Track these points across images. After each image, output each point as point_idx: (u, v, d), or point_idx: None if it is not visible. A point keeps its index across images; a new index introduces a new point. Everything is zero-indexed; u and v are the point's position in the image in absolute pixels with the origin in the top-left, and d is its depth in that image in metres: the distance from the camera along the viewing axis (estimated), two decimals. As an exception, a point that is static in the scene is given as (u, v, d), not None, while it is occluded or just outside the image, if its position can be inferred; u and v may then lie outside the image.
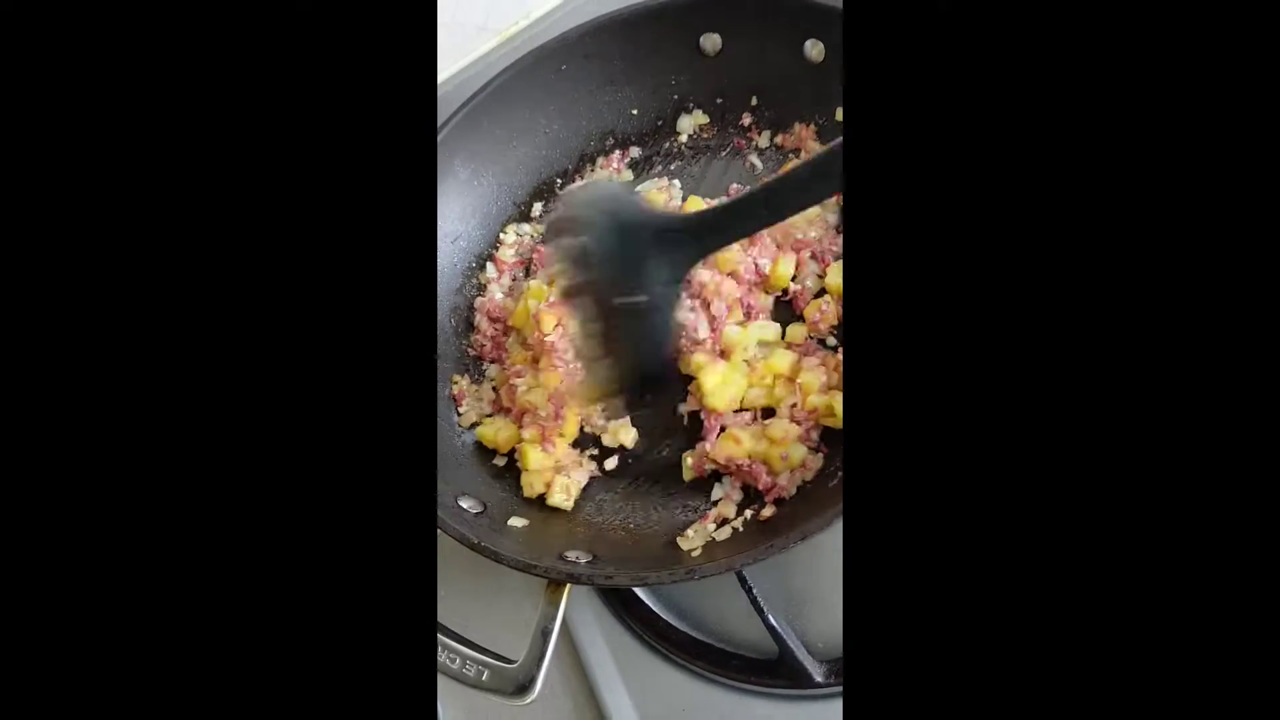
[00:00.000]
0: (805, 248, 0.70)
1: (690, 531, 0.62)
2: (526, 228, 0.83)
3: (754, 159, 0.80)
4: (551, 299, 0.70)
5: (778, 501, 0.62)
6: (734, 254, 0.70)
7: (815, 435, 0.64)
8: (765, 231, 0.68)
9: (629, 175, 0.83)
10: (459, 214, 0.80)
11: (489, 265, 0.81)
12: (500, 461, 0.71)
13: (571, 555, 0.59)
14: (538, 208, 0.83)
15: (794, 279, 0.70)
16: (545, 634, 0.54)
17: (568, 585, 0.56)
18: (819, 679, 0.60)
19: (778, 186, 0.55)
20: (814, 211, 0.69)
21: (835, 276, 0.68)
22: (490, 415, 0.73)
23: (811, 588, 0.64)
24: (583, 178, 0.83)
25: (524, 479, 0.68)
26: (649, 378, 0.61)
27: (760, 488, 0.62)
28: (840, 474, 0.61)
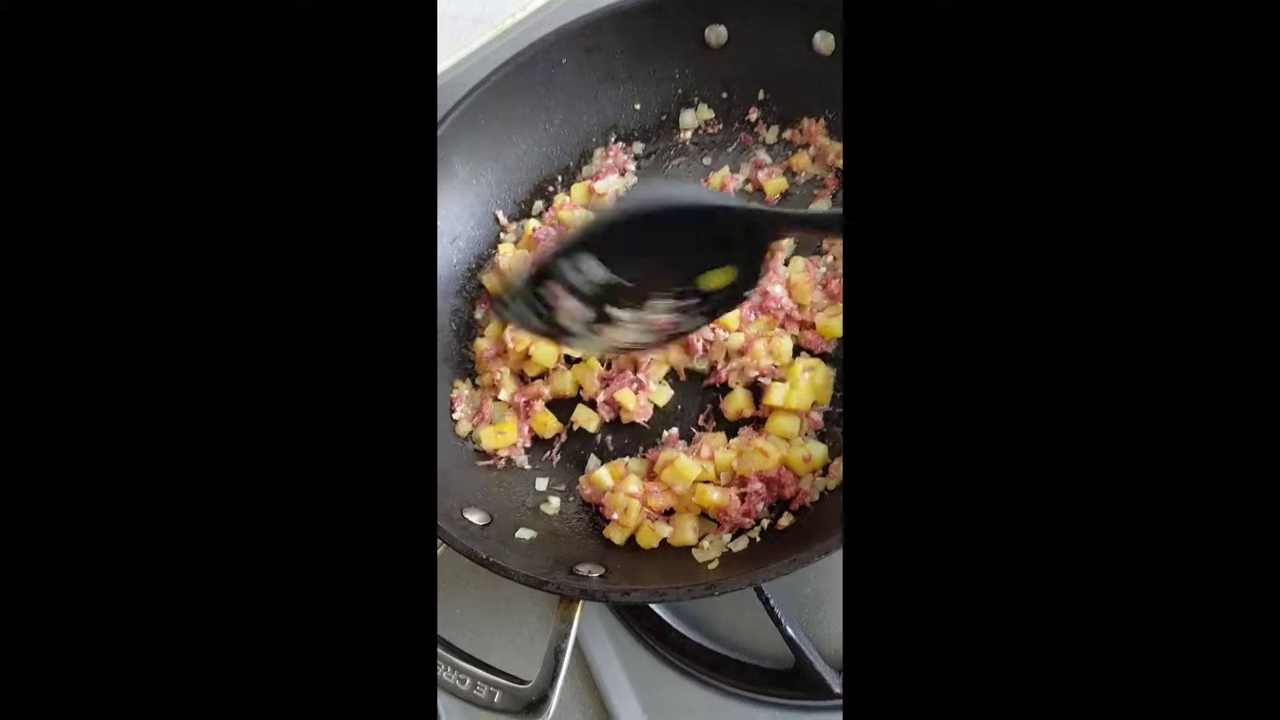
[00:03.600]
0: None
1: (705, 542, 0.60)
2: (533, 222, 0.80)
3: (761, 154, 0.78)
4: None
5: (796, 511, 0.60)
6: None
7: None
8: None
9: (632, 167, 0.81)
10: (458, 213, 0.78)
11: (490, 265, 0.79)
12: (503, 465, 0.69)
13: (583, 569, 0.57)
14: (539, 205, 0.81)
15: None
16: (559, 652, 0.53)
17: (581, 601, 0.54)
18: (837, 690, 0.59)
19: None
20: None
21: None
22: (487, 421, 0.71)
23: (826, 593, 0.63)
24: (584, 174, 0.81)
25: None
26: None
27: (787, 495, 0.61)
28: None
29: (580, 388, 0.69)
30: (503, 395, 0.70)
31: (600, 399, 0.68)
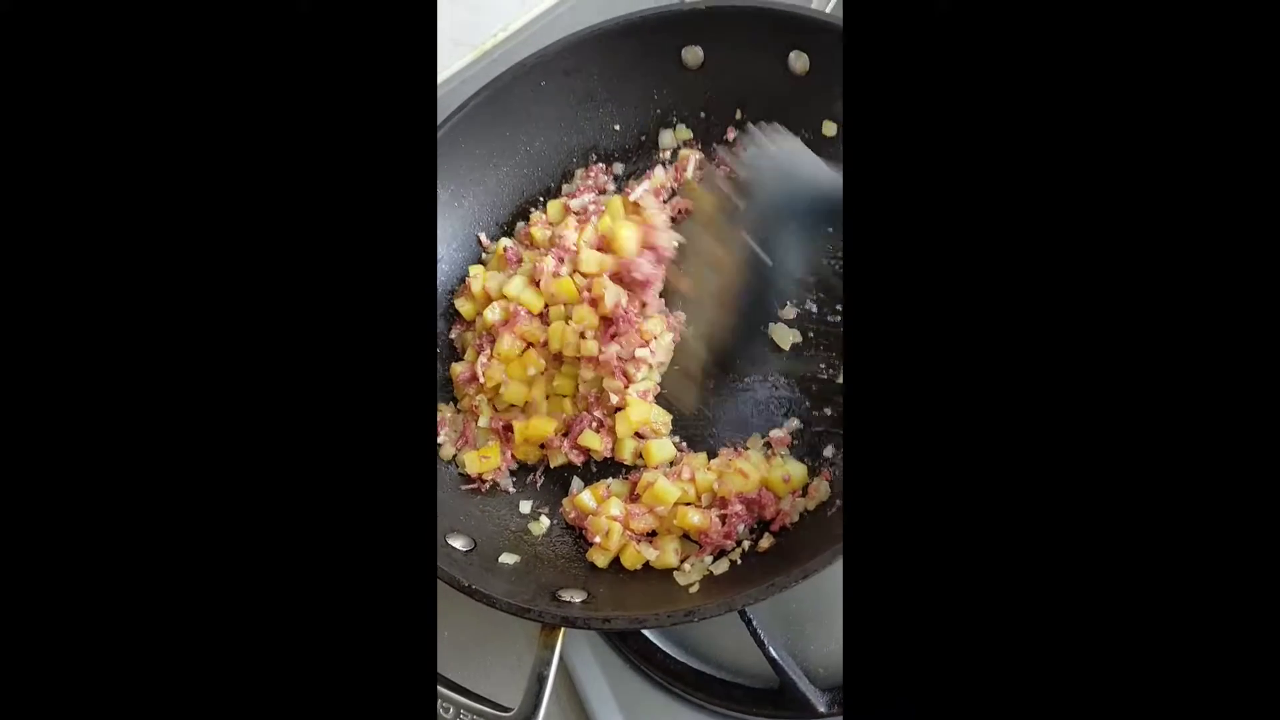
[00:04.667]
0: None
1: (686, 565, 0.60)
2: (505, 240, 0.80)
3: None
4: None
5: (777, 532, 0.61)
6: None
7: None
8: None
9: (612, 189, 0.81)
10: (441, 236, 0.78)
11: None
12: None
13: (565, 595, 0.58)
14: (520, 226, 0.81)
15: None
16: (541, 679, 0.53)
17: (563, 628, 0.55)
18: (822, 709, 0.59)
19: None
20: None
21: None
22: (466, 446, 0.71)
23: (810, 612, 0.63)
24: (564, 195, 0.81)
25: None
26: (729, 352, 0.61)
27: (768, 516, 0.61)
28: (839, 503, 0.60)
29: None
30: (481, 422, 0.71)
31: (565, 448, 0.68)
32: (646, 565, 0.62)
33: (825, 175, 0.56)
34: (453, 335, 0.77)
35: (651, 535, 0.63)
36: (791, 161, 0.57)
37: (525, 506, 0.69)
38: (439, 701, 0.53)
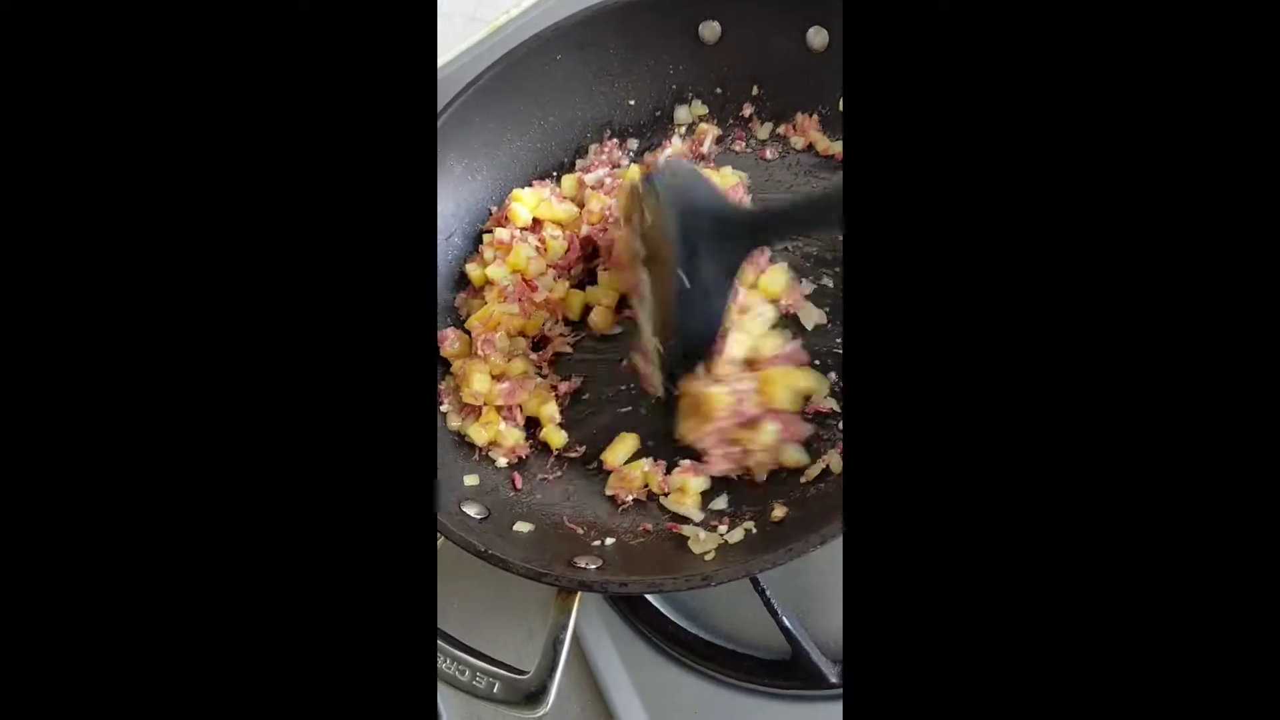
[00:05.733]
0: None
1: (701, 534, 0.60)
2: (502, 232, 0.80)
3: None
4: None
5: (789, 503, 0.61)
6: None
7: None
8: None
9: (627, 163, 0.81)
10: (453, 210, 0.78)
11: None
12: (501, 462, 0.69)
13: (581, 561, 0.58)
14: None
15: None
16: (557, 644, 0.53)
17: (579, 593, 0.55)
18: (833, 679, 0.60)
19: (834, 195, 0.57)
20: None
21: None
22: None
23: (821, 584, 0.64)
24: (578, 169, 0.81)
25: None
26: (689, 355, 0.62)
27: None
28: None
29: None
30: (477, 384, 0.70)
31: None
32: (660, 533, 0.62)
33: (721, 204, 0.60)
34: (457, 302, 0.77)
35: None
36: (692, 188, 0.61)
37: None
38: (455, 664, 0.53)
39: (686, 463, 0.64)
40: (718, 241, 0.58)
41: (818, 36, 0.72)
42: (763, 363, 0.65)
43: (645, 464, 0.65)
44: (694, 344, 0.61)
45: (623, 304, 0.73)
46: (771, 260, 0.71)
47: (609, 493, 0.65)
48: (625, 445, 0.66)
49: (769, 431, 0.62)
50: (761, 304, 0.69)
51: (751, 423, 0.62)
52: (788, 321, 0.69)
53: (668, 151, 0.78)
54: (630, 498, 0.64)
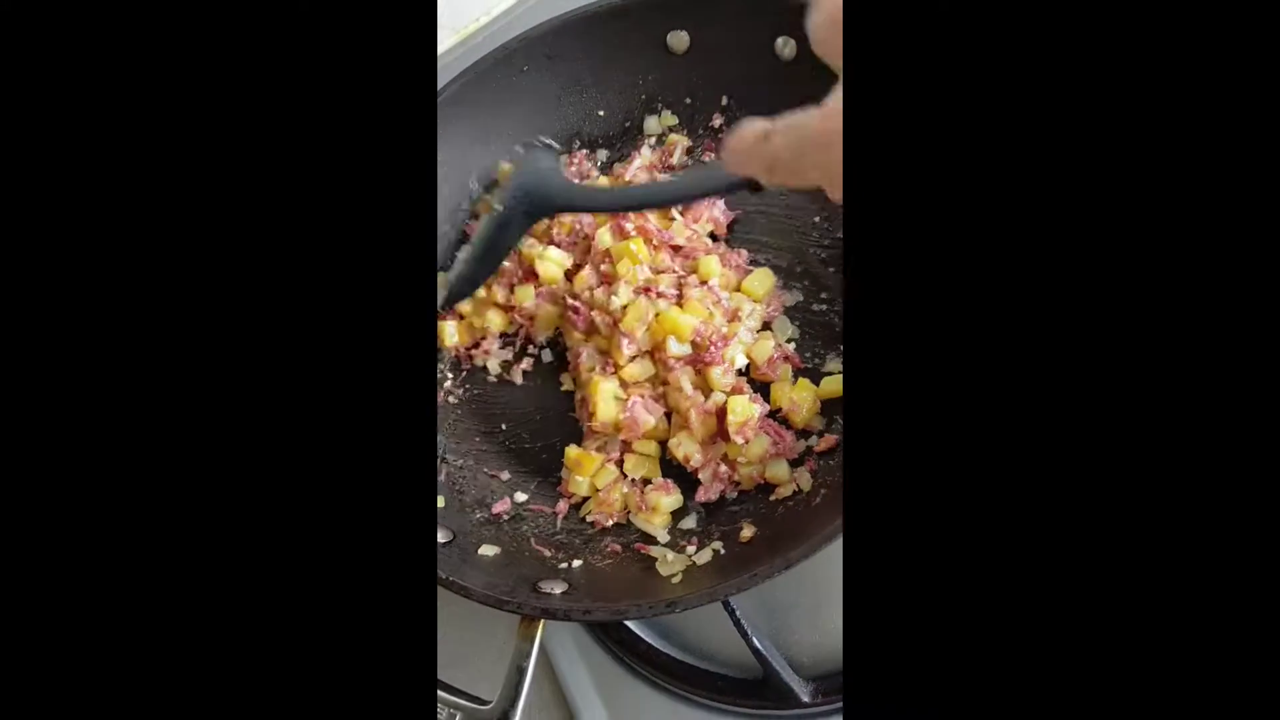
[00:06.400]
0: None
1: (669, 555, 0.60)
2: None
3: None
4: None
5: (758, 522, 0.60)
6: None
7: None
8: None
9: (596, 174, 0.80)
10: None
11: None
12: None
13: (546, 587, 0.57)
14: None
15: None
16: (520, 671, 0.52)
17: (543, 620, 0.54)
18: (805, 699, 0.59)
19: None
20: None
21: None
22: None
23: (795, 603, 0.63)
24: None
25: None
26: (470, 281, 0.67)
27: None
28: (823, 493, 0.59)
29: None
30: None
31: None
32: (627, 552, 0.61)
33: (558, 183, 0.64)
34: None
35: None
36: (542, 161, 0.66)
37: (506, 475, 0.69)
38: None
39: (659, 480, 0.64)
40: (529, 210, 0.62)
41: (786, 46, 0.72)
42: (761, 369, 0.66)
43: (624, 485, 0.64)
44: (476, 279, 0.67)
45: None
46: (754, 264, 0.71)
47: (589, 519, 0.64)
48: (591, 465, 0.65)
49: (761, 443, 0.62)
50: (749, 305, 0.68)
51: (743, 434, 0.62)
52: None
53: (636, 163, 0.77)
54: (610, 522, 0.64)
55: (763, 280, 0.69)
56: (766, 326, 0.69)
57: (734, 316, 0.67)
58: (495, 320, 0.74)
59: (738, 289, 0.70)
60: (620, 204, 0.67)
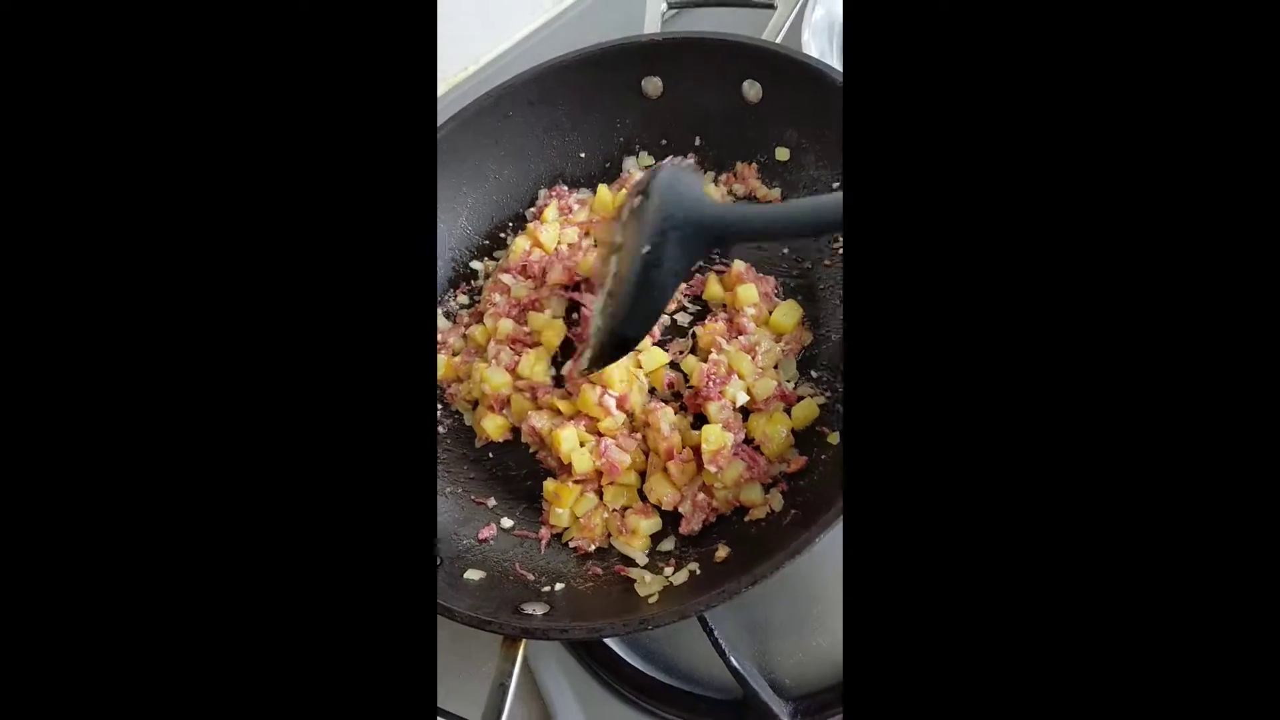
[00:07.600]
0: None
1: (648, 577, 0.61)
2: (478, 265, 0.83)
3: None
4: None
5: (732, 542, 0.62)
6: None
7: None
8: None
9: (577, 209, 0.83)
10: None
11: (441, 318, 0.81)
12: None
13: (528, 609, 0.59)
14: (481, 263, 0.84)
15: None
16: (503, 689, 0.54)
17: (524, 640, 0.56)
18: (784, 719, 0.60)
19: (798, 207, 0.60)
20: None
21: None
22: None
23: (776, 623, 0.64)
24: (529, 220, 0.84)
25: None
26: (621, 345, 0.62)
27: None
28: (794, 513, 0.61)
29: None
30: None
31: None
32: (608, 575, 0.63)
33: (708, 206, 0.61)
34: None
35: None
36: (682, 183, 0.61)
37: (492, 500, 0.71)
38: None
39: (639, 505, 0.66)
40: (683, 238, 0.58)
41: (751, 89, 0.75)
42: (757, 405, 0.66)
43: (604, 511, 0.66)
44: (628, 334, 0.61)
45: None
46: (780, 295, 0.72)
47: (571, 544, 0.66)
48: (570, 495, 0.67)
49: (736, 469, 0.63)
50: (768, 340, 0.68)
51: (716, 462, 0.63)
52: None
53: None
54: (593, 546, 0.66)
55: (789, 313, 0.69)
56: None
57: (751, 349, 0.67)
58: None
59: (765, 322, 0.70)
60: (783, 226, 0.60)
